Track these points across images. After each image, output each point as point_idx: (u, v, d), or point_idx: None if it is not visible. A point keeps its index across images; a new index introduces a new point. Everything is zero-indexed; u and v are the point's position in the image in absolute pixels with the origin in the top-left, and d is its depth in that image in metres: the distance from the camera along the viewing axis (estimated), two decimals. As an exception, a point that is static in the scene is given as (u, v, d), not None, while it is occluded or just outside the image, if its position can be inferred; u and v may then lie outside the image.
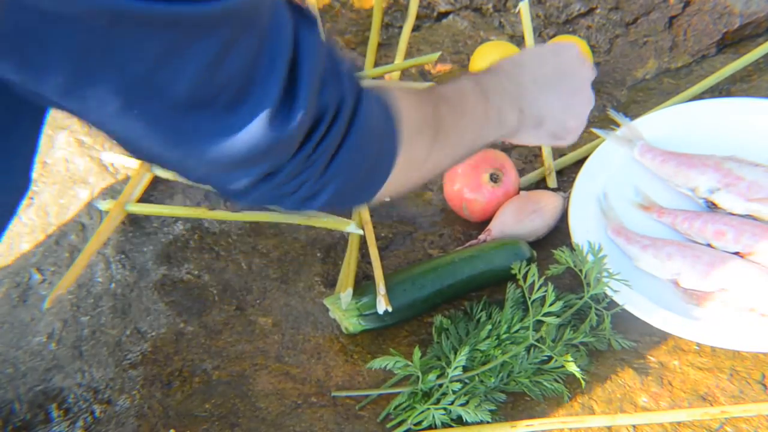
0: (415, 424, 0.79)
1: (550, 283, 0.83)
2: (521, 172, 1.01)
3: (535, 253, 0.89)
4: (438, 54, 1.13)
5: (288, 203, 0.60)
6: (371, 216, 1.00)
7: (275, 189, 0.57)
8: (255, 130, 0.51)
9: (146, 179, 1.07)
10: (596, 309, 0.82)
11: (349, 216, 0.99)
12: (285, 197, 0.59)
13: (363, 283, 0.90)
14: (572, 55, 0.82)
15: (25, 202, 1.06)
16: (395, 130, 0.62)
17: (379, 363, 0.80)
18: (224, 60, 0.48)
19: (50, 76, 0.46)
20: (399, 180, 0.65)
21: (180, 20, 0.46)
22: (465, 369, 0.80)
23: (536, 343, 0.81)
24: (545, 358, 0.81)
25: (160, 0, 0.44)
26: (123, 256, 1.01)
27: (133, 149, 0.54)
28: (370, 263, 0.95)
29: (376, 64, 1.16)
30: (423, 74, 1.16)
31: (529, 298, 0.82)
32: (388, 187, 0.65)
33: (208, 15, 0.46)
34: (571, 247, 0.87)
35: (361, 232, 0.94)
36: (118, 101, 0.47)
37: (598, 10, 1.18)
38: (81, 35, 0.44)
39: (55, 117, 1.12)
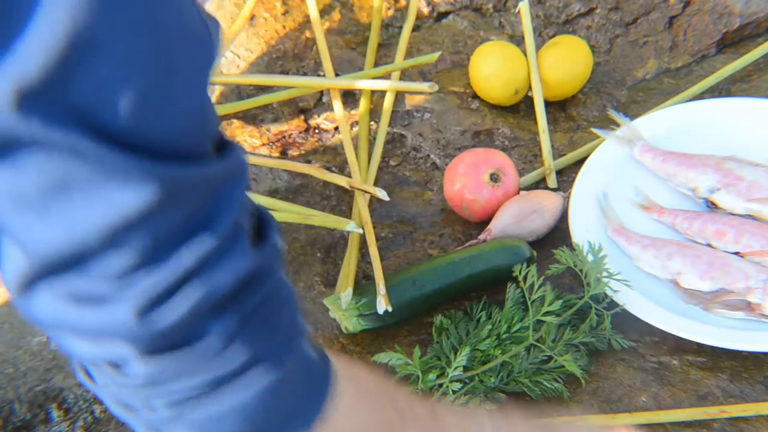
0: (415, 424, 0.79)
1: (548, 283, 0.83)
2: (521, 172, 1.01)
3: (535, 253, 0.89)
4: (438, 54, 1.12)
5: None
6: (371, 216, 1.00)
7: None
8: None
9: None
10: (596, 309, 0.82)
11: (348, 215, 0.99)
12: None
13: (363, 283, 0.90)
14: None
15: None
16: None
17: (382, 357, 0.80)
18: (134, 226, 0.41)
19: None
20: None
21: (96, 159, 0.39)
22: (465, 369, 0.80)
23: (536, 343, 0.81)
24: (545, 357, 0.81)
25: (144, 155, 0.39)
26: (123, 256, 1.01)
27: None
28: (370, 263, 0.95)
29: (376, 64, 1.16)
30: (423, 74, 1.16)
31: (529, 298, 0.82)
32: None
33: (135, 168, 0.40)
34: (571, 247, 0.88)
35: (360, 230, 0.94)
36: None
37: (598, 10, 1.18)
38: None
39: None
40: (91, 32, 0.36)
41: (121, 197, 0.39)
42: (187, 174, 0.41)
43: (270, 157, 1.10)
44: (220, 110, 1.13)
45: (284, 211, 0.99)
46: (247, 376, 0.46)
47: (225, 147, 0.45)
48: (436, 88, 1.04)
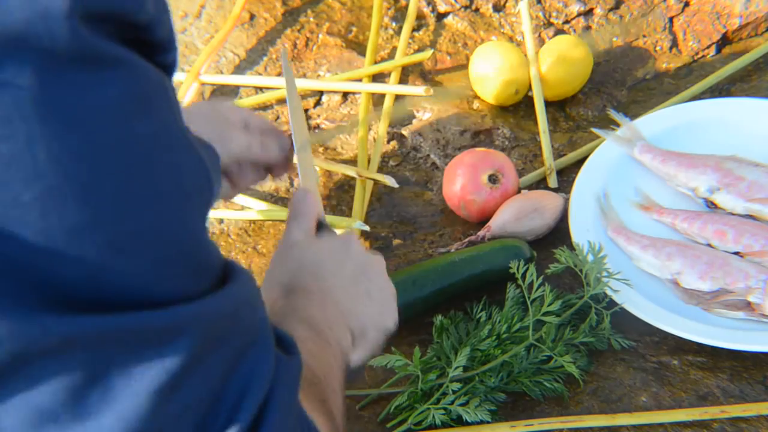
0: (415, 424, 0.79)
1: (547, 284, 0.83)
2: (521, 173, 1.01)
3: (535, 254, 0.89)
4: (431, 52, 1.13)
5: None
6: (371, 216, 1.00)
7: None
8: None
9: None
10: (596, 309, 0.82)
11: (349, 216, 0.99)
12: None
13: (363, 283, 0.90)
14: (357, 246, 0.71)
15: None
16: None
17: (380, 361, 0.80)
18: (181, 385, 0.39)
19: None
20: None
21: (114, 337, 0.37)
22: (465, 369, 0.80)
23: (536, 343, 0.81)
24: (545, 357, 0.81)
25: (84, 312, 0.36)
26: (123, 256, 1.01)
27: None
28: (370, 263, 0.95)
29: (376, 64, 1.16)
30: (423, 74, 1.16)
31: (528, 298, 0.82)
32: None
33: (158, 327, 0.38)
34: (571, 247, 0.87)
35: (367, 227, 0.94)
36: None
37: (597, 10, 1.18)
38: None
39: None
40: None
41: (157, 363, 0.38)
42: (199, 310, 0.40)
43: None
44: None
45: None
46: None
47: (229, 276, 0.44)
48: (432, 92, 1.05)
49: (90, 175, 0.36)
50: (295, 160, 0.82)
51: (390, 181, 0.96)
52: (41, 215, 0.35)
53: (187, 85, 1.15)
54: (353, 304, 0.68)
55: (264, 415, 0.42)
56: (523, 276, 0.83)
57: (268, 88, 1.17)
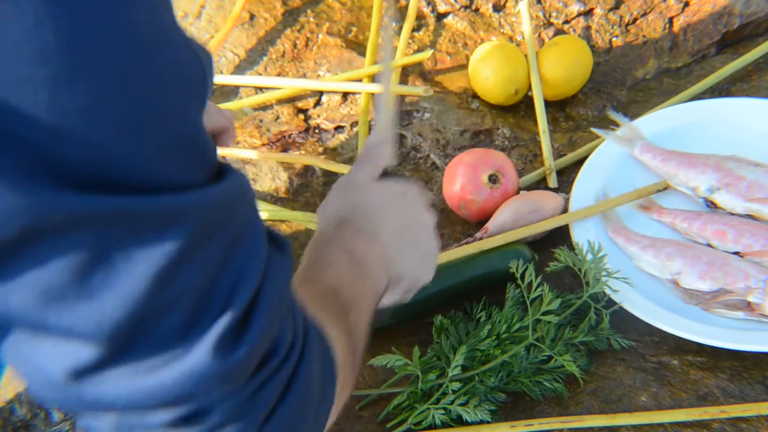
0: (415, 424, 0.79)
1: (546, 283, 0.82)
2: (521, 173, 1.01)
3: (536, 256, 0.89)
4: (430, 52, 1.13)
5: None
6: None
7: None
8: (196, 358, 0.41)
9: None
10: (595, 308, 0.82)
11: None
12: None
13: (363, 283, 0.90)
14: (415, 199, 0.73)
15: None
16: (335, 376, 0.54)
17: (380, 360, 0.80)
18: (179, 270, 0.40)
19: None
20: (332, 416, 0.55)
21: (118, 218, 0.38)
22: (465, 369, 0.80)
23: (536, 343, 0.81)
24: (545, 357, 0.81)
25: (90, 192, 0.37)
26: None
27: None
28: (370, 263, 0.95)
29: (376, 64, 1.16)
30: (423, 74, 1.16)
31: (528, 297, 0.82)
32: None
33: (160, 212, 0.39)
34: (571, 247, 0.87)
35: None
36: (27, 329, 0.39)
37: (597, 10, 1.18)
38: None
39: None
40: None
41: (157, 247, 0.39)
42: (199, 197, 0.42)
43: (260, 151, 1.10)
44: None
45: (289, 215, 0.99)
46: None
47: (224, 173, 0.45)
48: (431, 92, 1.05)
49: (96, 57, 0.37)
50: (377, 115, 0.85)
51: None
52: (52, 94, 0.36)
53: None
54: (397, 252, 0.70)
55: (255, 304, 0.44)
56: (522, 276, 0.83)
57: (268, 88, 1.17)
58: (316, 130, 1.13)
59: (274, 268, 0.47)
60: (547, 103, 1.08)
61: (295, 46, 1.22)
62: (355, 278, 0.64)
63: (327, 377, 0.53)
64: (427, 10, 1.23)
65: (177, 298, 0.41)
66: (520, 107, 1.11)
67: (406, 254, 0.71)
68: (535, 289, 0.82)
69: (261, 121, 1.15)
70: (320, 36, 1.22)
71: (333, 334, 0.55)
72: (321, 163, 1.05)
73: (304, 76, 1.18)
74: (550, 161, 1.01)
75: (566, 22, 1.18)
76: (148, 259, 0.39)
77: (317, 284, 0.61)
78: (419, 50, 1.17)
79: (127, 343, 0.40)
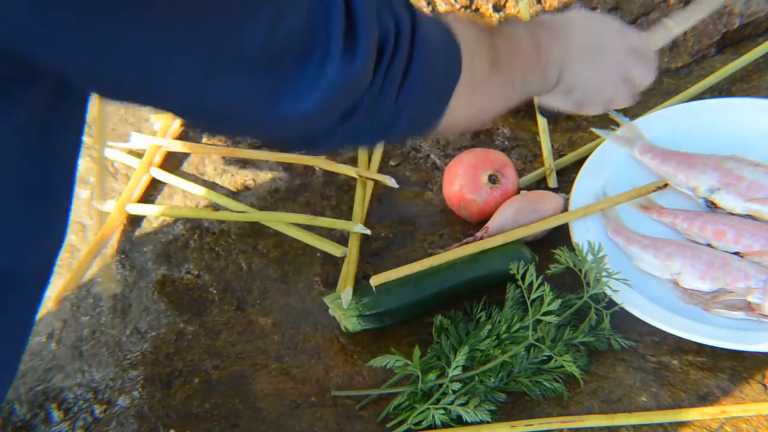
0: (415, 424, 0.79)
1: (546, 283, 0.83)
2: (521, 173, 1.01)
3: (536, 257, 0.89)
4: None
5: (366, 138, 0.63)
6: (371, 216, 1.00)
7: (354, 127, 0.59)
8: (329, 76, 0.52)
9: (146, 179, 1.07)
10: (596, 309, 0.82)
11: (349, 215, 0.99)
12: (363, 133, 0.61)
13: (363, 284, 0.90)
14: (616, 30, 0.82)
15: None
16: (456, 45, 0.64)
17: (379, 361, 0.80)
18: (282, 19, 0.49)
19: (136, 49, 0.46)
20: (464, 104, 0.67)
21: None
22: (465, 369, 0.80)
23: (536, 343, 0.81)
24: (545, 357, 0.81)
25: None
26: (123, 256, 1.01)
27: (215, 119, 0.56)
28: (369, 263, 0.96)
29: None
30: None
31: (528, 298, 0.82)
32: (455, 112, 0.66)
33: None
34: (571, 247, 0.87)
35: (368, 231, 0.95)
36: (200, 70, 0.48)
37: (597, 11, 1.18)
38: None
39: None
40: None
41: None
42: None
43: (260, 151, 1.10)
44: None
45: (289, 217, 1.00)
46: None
47: None
48: None
49: None
50: None
51: (390, 181, 0.97)
52: None
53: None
54: (578, 60, 0.78)
55: (354, 17, 0.54)
56: (523, 276, 0.83)
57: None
58: (316, 130, 1.13)
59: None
60: (547, 103, 1.08)
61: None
62: (524, 54, 0.73)
63: (448, 49, 0.64)
64: (427, 11, 1.23)
65: (288, 40, 0.50)
66: (520, 107, 1.11)
67: (587, 68, 0.79)
68: (536, 290, 0.82)
69: (261, 121, 1.15)
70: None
71: (460, 26, 0.65)
72: (321, 163, 1.05)
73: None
74: (549, 161, 1.01)
75: (566, 22, 1.18)
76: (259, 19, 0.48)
77: (487, 32, 0.70)
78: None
79: (282, 73, 0.51)
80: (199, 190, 1.05)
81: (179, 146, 1.10)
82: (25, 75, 0.47)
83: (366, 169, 1.02)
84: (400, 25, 0.58)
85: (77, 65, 0.46)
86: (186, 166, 1.11)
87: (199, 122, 0.57)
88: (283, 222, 1.00)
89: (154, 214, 1.04)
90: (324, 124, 0.57)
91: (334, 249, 0.96)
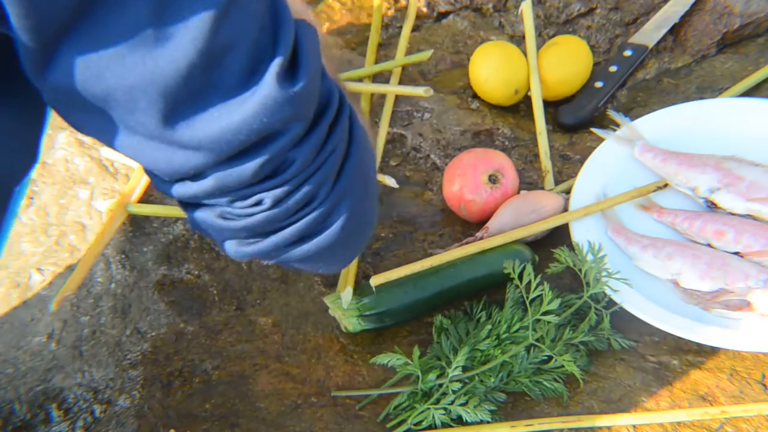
0: (415, 424, 0.79)
1: (546, 283, 0.83)
2: (521, 173, 1.01)
3: (536, 257, 0.89)
4: (430, 52, 1.13)
5: (289, 232, 0.56)
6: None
7: (278, 201, 0.53)
8: (265, 90, 0.49)
9: (147, 179, 1.07)
10: (596, 309, 0.82)
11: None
12: (288, 218, 0.55)
13: (363, 284, 0.90)
14: None
15: (25, 202, 1.06)
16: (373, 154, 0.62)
17: (381, 359, 0.80)
18: (228, 15, 0.47)
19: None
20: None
21: None
22: (465, 369, 0.80)
23: (536, 343, 0.81)
24: (545, 357, 0.81)
25: None
26: (123, 256, 1.01)
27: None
28: (370, 263, 0.96)
29: (376, 64, 1.16)
30: (423, 74, 1.16)
31: (527, 298, 0.82)
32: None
33: None
34: (571, 247, 0.87)
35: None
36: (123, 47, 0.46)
37: (598, 10, 1.18)
38: None
39: (55, 117, 1.12)
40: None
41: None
42: None
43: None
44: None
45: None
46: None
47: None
48: (432, 92, 1.05)
49: None
50: None
51: (390, 181, 0.97)
52: None
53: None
54: None
55: (299, 49, 0.52)
56: (520, 276, 0.83)
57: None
58: (316, 130, 1.13)
59: (304, 27, 0.54)
60: (548, 103, 1.08)
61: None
62: None
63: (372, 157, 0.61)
64: (427, 10, 1.23)
65: (232, 42, 0.47)
66: (520, 107, 1.11)
67: None
68: (535, 289, 0.82)
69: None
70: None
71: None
72: None
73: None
74: (547, 162, 1.01)
75: (566, 22, 1.18)
76: (203, 4, 0.46)
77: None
78: (419, 50, 1.17)
79: (203, 86, 0.47)
80: None
81: None
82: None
83: None
84: (342, 98, 0.55)
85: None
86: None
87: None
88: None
89: (154, 214, 1.04)
90: (248, 161, 0.51)
91: None
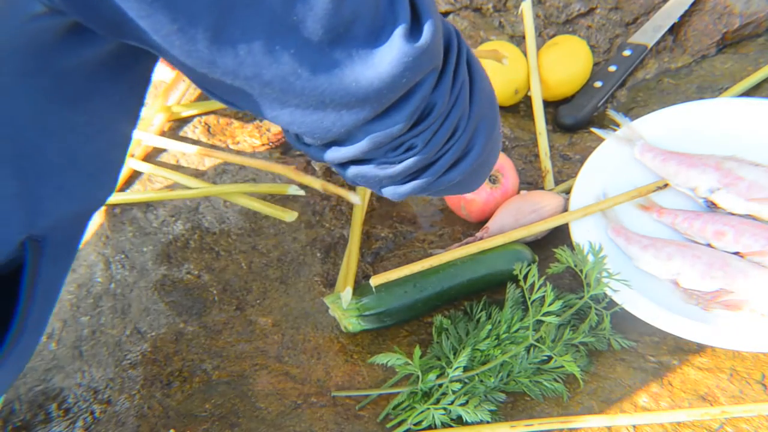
0: (414, 424, 0.79)
1: (548, 283, 0.83)
2: (521, 173, 1.01)
3: (536, 257, 0.89)
4: None
5: (441, 163, 0.61)
6: (371, 216, 1.00)
7: (428, 141, 0.58)
8: (399, 47, 0.52)
9: (125, 171, 1.08)
10: (596, 309, 0.82)
11: (349, 215, 0.99)
12: (440, 155, 0.61)
13: (363, 284, 0.90)
14: None
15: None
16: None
17: (381, 359, 0.80)
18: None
19: (199, 25, 0.46)
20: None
21: None
22: (465, 369, 0.80)
23: (536, 343, 0.81)
24: (545, 358, 0.81)
25: None
26: (123, 256, 1.01)
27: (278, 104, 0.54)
28: (370, 263, 0.96)
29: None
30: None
31: (529, 299, 0.82)
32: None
33: None
34: (571, 247, 0.87)
35: (302, 192, 0.97)
36: (261, 40, 0.48)
37: (598, 10, 1.18)
38: None
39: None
40: None
41: None
42: None
43: (253, 155, 1.10)
44: (217, 105, 1.14)
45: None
46: None
47: None
48: None
49: None
50: None
51: (353, 198, 0.97)
52: None
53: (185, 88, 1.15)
54: None
55: (418, 8, 0.54)
56: (525, 277, 0.83)
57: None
58: (316, 130, 1.13)
59: None
60: (548, 103, 1.08)
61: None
62: None
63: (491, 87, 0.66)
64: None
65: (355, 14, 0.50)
66: (520, 107, 1.11)
67: None
68: (537, 290, 0.82)
69: (261, 121, 1.15)
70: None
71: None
72: (291, 174, 1.04)
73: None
74: (546, 163, 1.01)
75: (566, 22, 1.18)
76: None
77: None
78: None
79: (343, 39, 0.51)
80: (172, 176, 1.06)
81: (160, 142, 1.11)
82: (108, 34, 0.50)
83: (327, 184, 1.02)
84: (459, 37, 0.59)
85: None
86: (186, 166, 1.11)
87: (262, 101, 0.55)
88: (232, 194, 1.01)
89: (134, 201, 1.05)
90: (395, 116, 0.56)
91: (282, 214, 0.96)
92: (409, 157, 0.60)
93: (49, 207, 0.57)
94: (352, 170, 0.62)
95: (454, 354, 0.81)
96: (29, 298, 0.57)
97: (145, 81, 0.61)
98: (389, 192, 0.64)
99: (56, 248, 0.59)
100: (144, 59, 0.57)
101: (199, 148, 1.10)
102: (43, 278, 0.58)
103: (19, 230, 0.55)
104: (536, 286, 0.82)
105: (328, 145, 0.59)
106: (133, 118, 0.62)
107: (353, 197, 0.97)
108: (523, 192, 0.96)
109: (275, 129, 1.13)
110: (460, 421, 0.78)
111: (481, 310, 0.86)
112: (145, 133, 1.12)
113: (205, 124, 1.16)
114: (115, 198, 1.04)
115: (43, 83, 0.51)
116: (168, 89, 1.15)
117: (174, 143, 1.10)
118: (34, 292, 0.58)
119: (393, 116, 0.56)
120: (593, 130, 1.01)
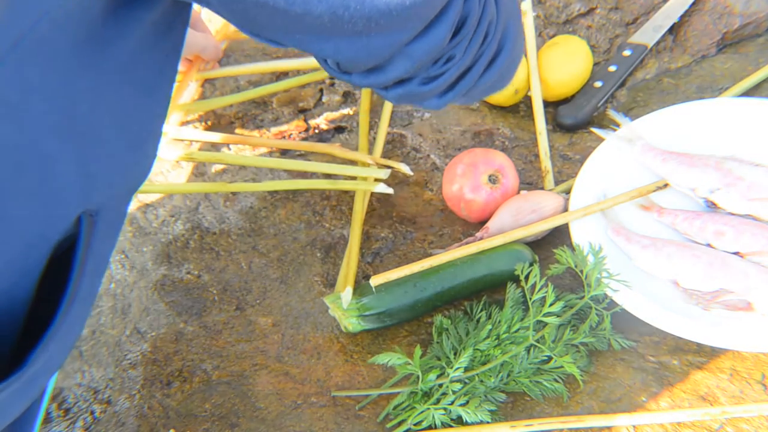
0: (414, 424, 0.79)
1: (550, 284, 0.83)
2: (521, 173, 1.01)
3: (537, 258, 0.89)
4: None
5: (475, 69, 0.65)
6: (371, 216, 1.00)
7: (462, 51, 0.62)
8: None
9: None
10: (596, 309, 0.82)
11: (348, 215, 0.99)
12: (476, 59, 0.64)
13: (363, 284, 0.90)
14: None
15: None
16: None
17: (381, 358, 0.80)
18: None
19: None
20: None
21: None
22: (465, 369, 0.80)
23: (536, 344, 0.81)
24: (545, 358, 0.81)
25: None
26: (123, 256, 1.01)
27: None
28: (370, 263, 0.96)
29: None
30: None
31: (530, 299, 0.82)
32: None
33: None
34: (571, 247, 0.87)
35: (391, 191, 0.98)
36: None
37: (598, 10, 1.18)
38: None
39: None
40: None
41: None
42: None
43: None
44: (219, 103, 1.13)
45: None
46: None
47: None
48: None
49: None
50: None
51: (405, 168, 1.00)
52: None
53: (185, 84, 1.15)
54: None
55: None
56: (527, 278, 0.83)
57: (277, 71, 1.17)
58: (316, 131, 1.13)
59: None
60: (548, 103, 1.08)
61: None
62: None
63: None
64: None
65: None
66: (520, 107, 1.11)
67: None
68: (539, 291, 0.82)
69: (261, 121, 1.15)
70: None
71: None
72: (324, 168, 1.04)
73: (305, 74, 1.18)
74: (546, 163, 1.01)
75: (566, 22, 1.18)
76: None
77: None
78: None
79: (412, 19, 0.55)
80: (199, 187, 1.05)
81: (194, 135, 1.10)
82: None
83: (361, 177, 1.02)
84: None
85: None
86: (185, 164, 1.11)
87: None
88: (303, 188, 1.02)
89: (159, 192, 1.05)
90: (438, 37, 0.58)
91: (377, 171, 0.99)
92: (449, 68, 0.63)
93: (102, 181, 0.56)
94: (396, 91, 0.64)
95: (455, 354, 0.81)
96: (81, 273, 0.57)
97: (177, 50, 0.61)
98: (432, 104, 0.68)
99: (106, 225, 0.59)
100: (177, 26, 0.58)
101: (224, 136, 1.09)
102: (95, 252, 0.58)
103: (77, 205, 0.55)
104: (537, 287, 0.82)
105: (371, 70, 0.61)
106: (169, 89, 0.62)
107: (405, 168, 1.00)
108: (523, 192, 0.96)
109: (275, 129, 1.13)
110: (460, 421, 0.78)
111: (482, 310, 0.86)
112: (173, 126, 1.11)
113: (207, 123, 1.16)
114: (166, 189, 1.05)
115: (95, 53, 0.51)
116: (179, 89, 1.14)
117: (205, 134, 1.09)
118: (85, 267, 0.57)
119: (434, 32, 0.58)
120: (593, 130, 1.01)
